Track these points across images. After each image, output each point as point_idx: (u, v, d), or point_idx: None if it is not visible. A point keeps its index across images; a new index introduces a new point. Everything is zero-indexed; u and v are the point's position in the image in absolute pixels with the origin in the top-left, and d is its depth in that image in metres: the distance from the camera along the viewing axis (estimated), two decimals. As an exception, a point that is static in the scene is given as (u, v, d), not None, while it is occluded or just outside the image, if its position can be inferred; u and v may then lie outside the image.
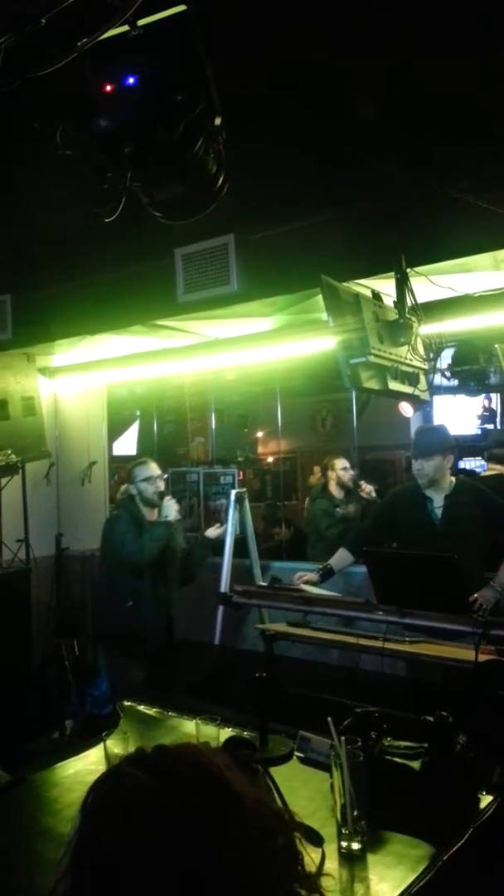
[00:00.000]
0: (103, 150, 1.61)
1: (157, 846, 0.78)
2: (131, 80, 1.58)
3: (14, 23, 1.51)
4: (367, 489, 5.26)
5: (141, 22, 1.60)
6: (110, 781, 0.88)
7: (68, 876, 0.82)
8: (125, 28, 1.60)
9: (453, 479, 3.69)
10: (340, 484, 5.38)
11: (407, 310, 3.26)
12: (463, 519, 3.55)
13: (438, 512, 3.62)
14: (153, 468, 4.25)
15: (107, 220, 1.66)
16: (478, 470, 6.64)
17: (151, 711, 2.47)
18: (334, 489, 5.40)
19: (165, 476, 4.48)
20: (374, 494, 5.22)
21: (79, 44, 1.55)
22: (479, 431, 6.73)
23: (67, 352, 5.33)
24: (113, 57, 1.63)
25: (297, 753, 2.03)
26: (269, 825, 0.87)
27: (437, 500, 3.64)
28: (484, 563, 3.52)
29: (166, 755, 0.89)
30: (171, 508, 4.14)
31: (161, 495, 4.19)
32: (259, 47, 2.28)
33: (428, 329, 3.61)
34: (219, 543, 4.56)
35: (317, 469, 7.14)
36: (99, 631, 4.67)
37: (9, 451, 4.80)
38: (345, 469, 5.40)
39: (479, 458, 7.01)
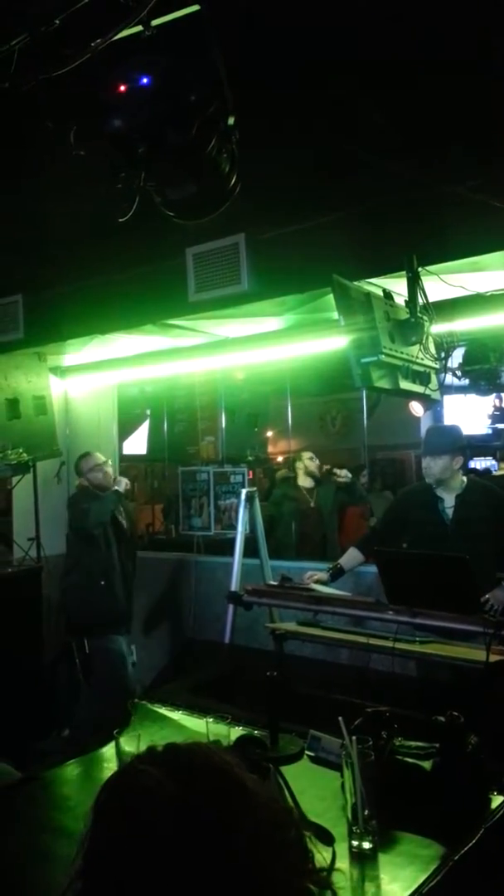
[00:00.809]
0: (117, 150, 1.62)
1: (171, 842, 0.78)
2: (145, 81, 1.59)
3: (28, 24, 1.52)
4: (342, 473, 5.82)
5: (154, 22, 1.61)
6: (123, 780, 0.88)
7: (82, 876, 0.82)
8: (139, 28, 1.60)
9: (465, 479, 3.68)
10: (308, 473, 6.09)
11: (418, 309, 3.25)
12: (474, 519, 3.54)
13: (449, 512, 3.61)
14: (98, 457, 4.64)
15: (120, 219, 1.66)
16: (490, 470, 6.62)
17: (162, 710, 2.47)
18: (302, 479, 6.14)
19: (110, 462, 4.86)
20: (349, 477, 5.83)
21: (92, 44, 1.55)
22: (490, 431, 6.70)
23: (78, 351, 5.35)
24: (127, 57, 1.63)
25: (307, 753, 2.04)
26: (281, 821, 0.87)
27: (448, 499, 3.63)
28: (496, 564, 3.50)
29: (178, 752, 0.90)
30: (120, 481, 4.61)
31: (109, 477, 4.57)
32: (272, 49, 2.28)
33: (439, 328, 3.60)
34: (230, 542, 4.57)
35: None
36: (77, 617, 4.77)
37: (20, 450, 4.82)
38: (311, 459, 6.14)
39: (491, 457, 6.99)
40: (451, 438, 3.72)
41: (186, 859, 0.78)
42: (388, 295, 3.38)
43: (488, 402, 6.61)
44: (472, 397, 6.24)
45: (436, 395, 3.68)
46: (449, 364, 4.11)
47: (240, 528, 4.58)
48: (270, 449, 9.91)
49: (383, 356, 3.11)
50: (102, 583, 4.35)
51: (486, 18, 2.27)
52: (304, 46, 2.32)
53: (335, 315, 3.28)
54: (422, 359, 3.39)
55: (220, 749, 0.93)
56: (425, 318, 3.30)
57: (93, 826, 0.84)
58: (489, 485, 3.81)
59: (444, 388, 3.93)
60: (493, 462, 7.10)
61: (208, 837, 0.79)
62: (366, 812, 1.58)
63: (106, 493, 4.56)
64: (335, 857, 1.54)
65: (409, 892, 1.42)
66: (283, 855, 0.84)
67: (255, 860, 0.80)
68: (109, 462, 4.82)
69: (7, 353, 4.87)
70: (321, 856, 0.95)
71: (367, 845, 1.58)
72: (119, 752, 1.97)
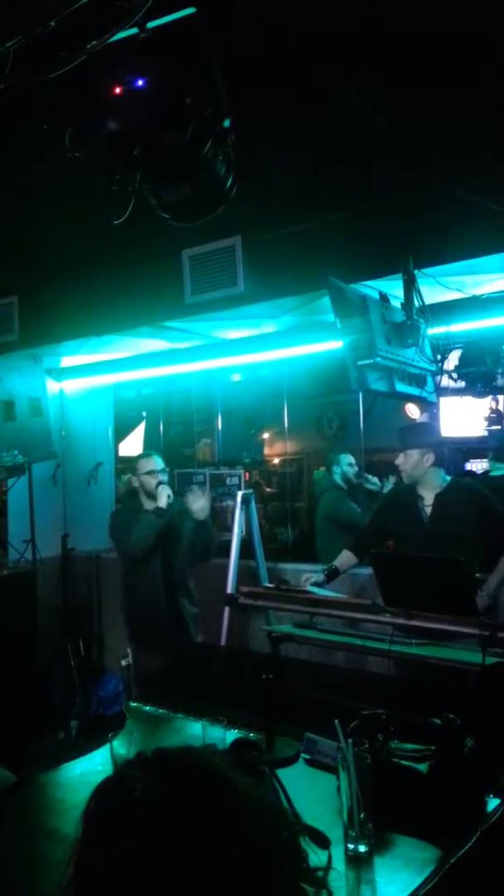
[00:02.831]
0: (112, 151, 1.61)
1: (164, 846, 0.78)
2: (140, 83, 1.59)
3: (24, 25, 1.52)
4: (373, 479, 5.84)
5: (150, 24, 1.60)
6: (114, 786, 0.87)
7: (75, 884, 0.81)
8: (134, 30, 1.60)
9: (447, 478, 3.65)
10: (345, 479, 5.78)
11: (414, 311, 3.26)
12: (452, 519, 3.49)
13: (428, 510, 3.58)
14: (156, 462, 4.23)
15: (115, 221, 1.66)
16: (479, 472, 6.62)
17: (158, 712, 2.47)
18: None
19: (168, 471, 4.37)
20: (378, 485, 5.75)
21: (88, 46, 1.55)
22: (487, 433, 6.70)
23: (74, 354, 5.35)
24: (122, 59, 1.63)
25: (303, 755, 2.03)
26: (273, 823, 0.87)
27: (427, 498, 3.60)
28: (474, 565, 3.48)
29: (168, 756, 0.90)
30: (161, 495, 4.09)
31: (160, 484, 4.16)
32: (268, 49, 2.28)
33: (435, 330, 3.60)
34: (225, 545, 4.56)
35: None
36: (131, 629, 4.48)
37: (15, 452, 4.82)
38: (350, 465, 5.82)
39: (484, 459, 6.99)
40: (421, 434, 3.74)
41: (180, 864, 0.77)
42: (384, 297, 3.38)
43: (485, 405, 6.62)
44: (469, 400, 6.25)
45: (432, 398, 3.69)
46: (445, 366, 4.12)
47: (236, 530, 4.58)
48: (267, 451, 9.90)
49: (379, 358, 3.12)
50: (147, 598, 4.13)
51: (484, 18, 2.27)
52: (301, 46, 2.32)
53: (331, 317, 3.28)
54: (418, 361, 3.40)
55: (210, 753, 0.93)
56: (421, 320, 3.31)
57: (84, 834, 0.84)
58: (477, 486, 3.74)
59: (441, 391, 3.94)
60: (488, 464, 7.10)
61: (201, 841, 0.79)
62: (362, 815, 1.58)
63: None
64: (331, 860, 1.54)
65: (405, 895, 1.42)
66: (278, 856, 0.84)
67: (249, 862, 0.80)
68: (166, 470, 4.29)
69: (2, 354, 4.86)
70: (317, 857, 0.94)
71: (362, 848, 1.57)
72: (113, 754, 1.96)
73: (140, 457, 4.37)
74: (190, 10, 1.62)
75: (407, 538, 3.60)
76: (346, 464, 5.81)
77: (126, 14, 1.50)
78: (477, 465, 7.06)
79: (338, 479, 5.75)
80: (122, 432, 7.85)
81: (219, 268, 3.58)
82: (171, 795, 0.82)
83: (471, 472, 6.34)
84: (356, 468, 5.93)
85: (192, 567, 4.24)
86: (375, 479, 5.93)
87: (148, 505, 4.16)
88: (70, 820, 1.75)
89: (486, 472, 6.34)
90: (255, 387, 8.16)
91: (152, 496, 4.14)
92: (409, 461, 3.59)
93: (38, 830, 1.80)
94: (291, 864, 0.87)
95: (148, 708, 2.49)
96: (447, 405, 6.00)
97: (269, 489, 6.41)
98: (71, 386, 5.91)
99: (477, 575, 3.38)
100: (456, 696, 2.72)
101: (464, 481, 3.84)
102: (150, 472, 4.18)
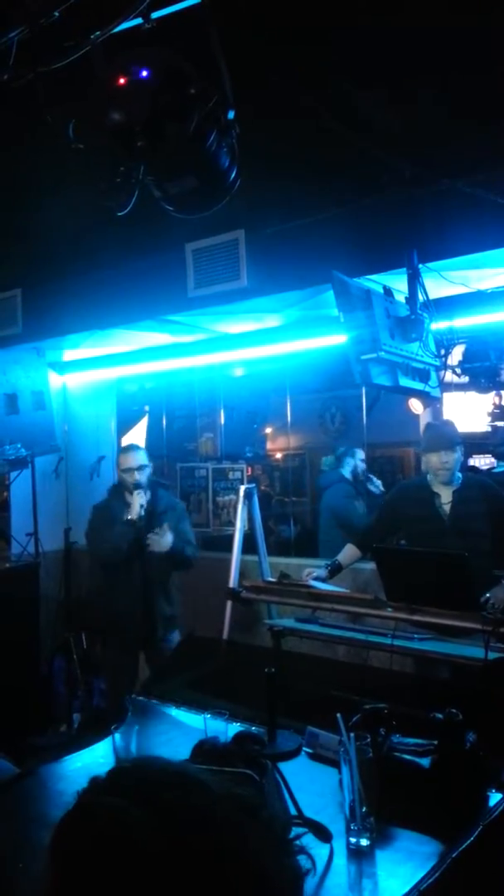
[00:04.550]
0: (116, 143, 1.61)
1: (158, 859, 0.75)
2: (144, 74, 1.58)
3: (28, 16, 1.51)
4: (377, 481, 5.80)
5: (154, 15, 1.60)
6: (80, 819, 0.80)
7: None
8: (139, 21, 1.59)
9: (460, 474, 3.67)
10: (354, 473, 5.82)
11: (418, 306, 3.25)
12: (472, 515, 3.52)
13: (447, 508, 3.57)
14: (130, 460, 4.08)
15: (119, 213, 1.66)
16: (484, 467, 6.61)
17: (160, 705, 2.47)
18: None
19: (147, 465, 4.13)
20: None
21: (92, 37, 1.54)
22: (490, 429, 6.70)
23: (77, 347, 5.35)
24: (126, 50, 1.62)
25: (305, 749, 2.04)
26: (250, 804, 0.84)
27: (445, 495, 3.60)
28: (494, 561, 3.49)
29: (127, 772, 0.86)
30: (133, 503, 3.97)
31: (137, 486, 4.03)
32: (273, 43, 2.27)
33: (439, 325, 3.59)
34: (228, 539, 4.56)
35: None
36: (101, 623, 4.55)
37: (18, 445, 4.81)
38: (362, 460, 5.88)
39: (489, 454, 6.98)
40: (456, 432, 3.73)
41: (176, 871, 0.74)
42: (388, 291, 3.37)
43: (488, 400, 6.61)
44: (472, 394, 6.24)
45: (435, 393, 3.68)
46: (449, 361, 4.11)
47: (238, 524, 4.58)
48: (269, 445, 9.89)
49: (383, 353, 3.11)
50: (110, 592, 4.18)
51: (486, 16, 2.26)
52: (305, 40, 2.31)
53: (335, 311, 3.27)
54: (422, 356, 3.39)
55: (163, 759, 0.90)
56: (425, 314, 3.30)
57: (59, 874, 0.76)
58: (486, 480, 3.78)
59: (444, 386, 3.93)
60: (493, 460, 7.09)
61: (189, 844, 0.75)
62: (363, 809, 1.58)
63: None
64: (332, 854, 1.54)
65: (407, 889, 1.42)
66: (261, 836, 0.82)
67: (239, 848, 0.77)
68: (144, 466, 4.10)
69: (5, 347, 4.86)
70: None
71: (364, 842, 1.57)
72: (115, 747, 1.96)
73: (119, 451, 4.27)
74: (194, 1, 1.61)
75: (425, 536, 3.56)
76: (360, 458, 5.81)
77: (130, 4, 1.49)
78: (480, 461, 7.05)
79: (347, 472, 5.73)
80: (124, 426, 7.84)
81: (222, 262, 3.57)
82: (146, 811, 0.77)
83: (474, 468, 6.32)
84: (365, 465, 5.93)
85: (173, 571, 4.18)
86: (379, 483, 5.91)
87: (129, 500, 4.05)
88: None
89: (490, 468, 6.34)
90: (257, 381, 8.16)
91: (131, 491, 4.05)
92: (452, 459, 3.58)
93: (40, 822, 1.80)
94: (279, 841, 0.85)
95: (150, 701, 2.50)
96: (451, 400, 5.99)
97: (265, 487, 6.45)
98: (74, 379, 5.91)
99: (496, 572, 3.38)
100: (458, 690, 2.72)
101: (475, 477, 3.83)
102: (127, 470, 4.07)
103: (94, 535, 4.15)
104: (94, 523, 4.19)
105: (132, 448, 4.23)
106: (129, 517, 3.98)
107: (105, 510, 4.19)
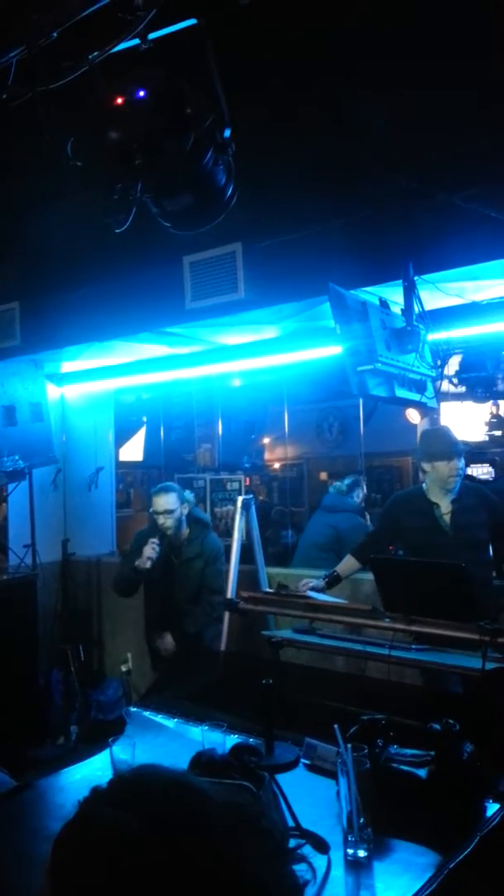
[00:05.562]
0: (114, 161, 1.63)
1: (156, 868, 0.75)
2: (142, 93, 1.60)
3: (27, 36, 1.53)
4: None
5: (151, 35, 1.62)
6: (81, 829, 0.80)
7: None
8: (136, 42, 1.62)
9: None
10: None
11: (414, 317, 3.27)
12: (472, 525, 3.51)
13: (447, 518, 3.56)
14: (159, 503, 4.08)
15: (117, 230, 1.68)
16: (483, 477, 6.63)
17: (157, 718, 2.47)
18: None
19: (176, 509, 4.12)
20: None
21: (90, 57, 1.57)
22: (487, 438, 6.73)
23: (75, 359, 5.36)
24: (124, 70, 1.65)
25: (303, 760, 2.04)
26: (248, 813, 0.84)
27: (444, 505, 3.59)
28: (494, 570, 3.50)
29: (127, 782, 0.85)
30: (144, 553, 4.00)
31: (164, 530, 4.10)
32: (268, 58, 2.30)
33: (435, 336, 3.61)
34: (226, 550, 4.57)
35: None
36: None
37: (16, 457, 4.82)
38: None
39: (487, 464, 7.00)
40: (457, 439, 3.72)
41: (176, 880, 0.74)
42: (384, 303, 3.39)
43: (485, 410, 6.65)
44: (469, 404, 6.27)
45: (432, 403, 3.69)
46: (445, 371, 4.13)
47: (236, 535, 4.59)
48: (267, 456, 9.91)
49: (379, 364, 3.13)
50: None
51: (484, 27, 2.28)
52: (303, 54, 2.34)
53: (332, 323, 3.30)
54: (418, 367, 3.41)
55: (164, 767, 0.90)
56: (421, 326, 3.32)
57: (59, 885, 0.76)
58: (483, 489, 3.77)
59: (441, 395, 3.95)
60: (491, 469, 7.11)
61: (188, 853, 0.76)
62: (361, 820, 1.59)
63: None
64: (330, 865, 1.54)
65: (404, 900, 1.43)
66: (261, 845, 0.82)
67: (237, 857, 0.78)
68: (172, 511, 4.08)
69: (3, 359, 4.88)
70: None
71: (362, 853, 1.58)
72: (113, 759, 1.97)
73: (153, 493, 4.21)
74: (191, 22, 1.64)
75: (426, 546, 3.53)
76: (364, 486, 5.76)
77: (128, 25, 1.52)
78: (477, 471, 7.07)
79: (356, 501, 5.66)
80: (122, 437, 7.87)
81: (219, 274, 3.59)
82: (144, 820, 0.77)
83: (471, 477, 6.35)
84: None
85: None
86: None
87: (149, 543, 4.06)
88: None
89: (489, 479, 6.36)
90: (255, 392, 8.18)
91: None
92: (461, 466, 3.55)
93: (38, 835, 1.80)
94: (276, 849, 0.85)
95: (148, 713, 2.50)
96: (448, 410, 6.01)
97: (263, 498, 6.52)
98: (72, 391, 5.93)
99: (495, 581, 3.37)
100: (455, 701, 2.73)
101: (472, 485, 3.83)
102: (155, 514, 4.13)
103: (124, 561, 4.35)
104: (128, 548, 4.40)
105: (163, 490, 4.16)
106: (136, 564, 4.03)
107: (142, 541, 4.17)
